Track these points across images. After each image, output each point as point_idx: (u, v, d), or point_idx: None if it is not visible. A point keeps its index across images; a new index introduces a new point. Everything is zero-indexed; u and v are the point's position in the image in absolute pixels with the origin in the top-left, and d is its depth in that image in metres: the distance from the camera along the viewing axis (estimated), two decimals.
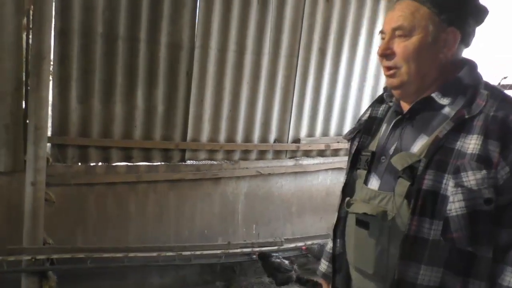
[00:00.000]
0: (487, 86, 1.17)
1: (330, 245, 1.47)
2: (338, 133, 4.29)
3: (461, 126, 1.10)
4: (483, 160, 1.06)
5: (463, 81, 1.17)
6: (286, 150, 4.12)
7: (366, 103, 4.26)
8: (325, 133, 4.27)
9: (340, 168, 4.26)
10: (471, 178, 1.06)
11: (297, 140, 4.13)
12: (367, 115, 1.38)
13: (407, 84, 1.19)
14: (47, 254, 3.09)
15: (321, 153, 4.29)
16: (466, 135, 1.09)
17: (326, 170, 4.31)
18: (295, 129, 4.11)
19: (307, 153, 4.22)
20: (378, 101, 1.37)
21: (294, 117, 4.08)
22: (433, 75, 1.18)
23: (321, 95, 4.14)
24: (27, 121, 3.05)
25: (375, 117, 1.34)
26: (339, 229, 1.36)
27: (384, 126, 1.30)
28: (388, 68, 1.20)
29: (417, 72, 1.17)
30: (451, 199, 1.07)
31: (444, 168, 1.09)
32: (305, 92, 4.06)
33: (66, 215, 3.30)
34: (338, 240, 1.36)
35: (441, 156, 1.10)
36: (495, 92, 1.15)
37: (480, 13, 1.18)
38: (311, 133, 4.21)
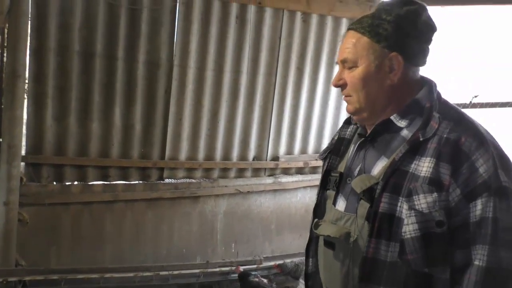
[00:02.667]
0: (442, 107, 1.18)
1: None
2: (316, 151, 4.31)
3: (416, 149, 1.12)
4: (434, 183, 1.08)
5: (420, 102, 1.19)
6: (265, 168, 4.11)
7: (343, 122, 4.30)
8: (304, 150, 4.29)
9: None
10: (422, 202, 1.08)
11: (275, 158, 4.14)
12: (337, 135, 1.40)
13: (359, 110, 1.23)
14: (19, 276, 3.02)
15: (300, 171, 4.30)
16: (420, 157, 1.11)
17: (305, 187, 4.31)
18: (274, 147, 4.12)
19: (286, 171, 4.23)
20: (346, 122, 1.40)
21: (273, 135, 4.09)
22: (385, 100, 1.20)
23: (299, 113, 4.17)
24: (0, 140, 3.00)
25: (344, 138, 1.37)
26: (311, 249, 1.37)
27: (351, 147, 1.32)
28: (344, 96, 1.25)
29: (366, 100, 1.20)
30: (405, 221, 1.09)
31: (399, 191, 1.11)
32: (284, 110, 4.09)
33: (40, 236, 3.23)
34: (311, 259, 1.37)
35: (396, 179, 1.12)
36: (450, 114, 1.16)
37: (422, 34, 1.19)
38: (289, 151, 4.22)
